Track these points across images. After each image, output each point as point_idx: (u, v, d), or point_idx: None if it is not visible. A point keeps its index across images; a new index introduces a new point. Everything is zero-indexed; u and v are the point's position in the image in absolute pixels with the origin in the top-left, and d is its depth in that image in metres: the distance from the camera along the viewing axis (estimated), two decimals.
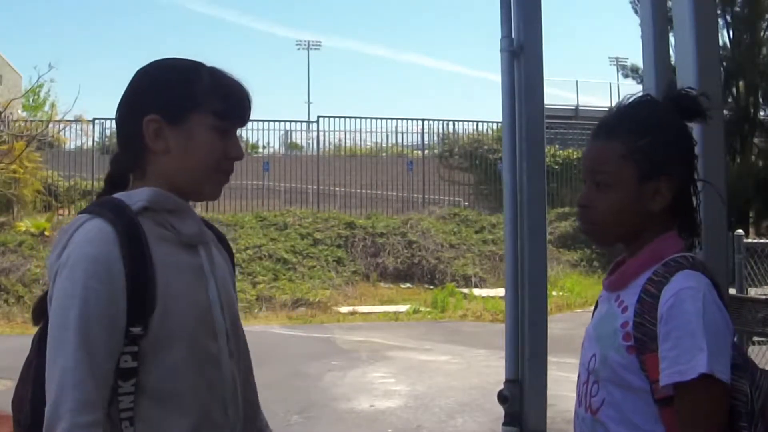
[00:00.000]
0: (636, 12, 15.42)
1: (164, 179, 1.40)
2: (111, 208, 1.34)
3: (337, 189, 17.93)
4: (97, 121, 17.33)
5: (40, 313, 1.38)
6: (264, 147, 20.20)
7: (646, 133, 1.45)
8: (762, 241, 7.54)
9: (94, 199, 1.47)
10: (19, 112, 20.90)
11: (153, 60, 1.47)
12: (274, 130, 19.29)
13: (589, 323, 1.58)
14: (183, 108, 1.39)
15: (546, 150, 2.56)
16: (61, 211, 15.90)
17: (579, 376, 1.53)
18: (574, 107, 28.42)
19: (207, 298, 1.41)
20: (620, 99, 1.56)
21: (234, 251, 1.66)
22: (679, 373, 1.30)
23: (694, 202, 1.50)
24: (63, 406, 1.22)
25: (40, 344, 1.35)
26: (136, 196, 1.37)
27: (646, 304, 1.39)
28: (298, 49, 54.33)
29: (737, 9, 15.82)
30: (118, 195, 1.39)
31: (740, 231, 6.91)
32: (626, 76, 19.84)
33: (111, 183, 1.45)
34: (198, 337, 1.37)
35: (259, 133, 19.02)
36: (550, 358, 2.37)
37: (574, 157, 18.64)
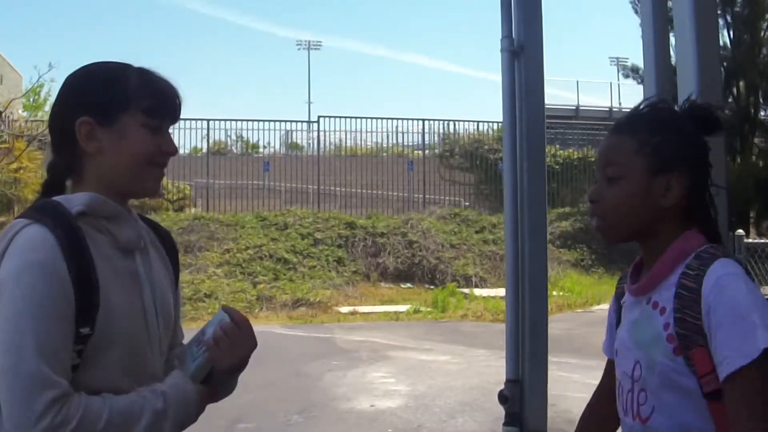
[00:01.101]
0: (636, 12, 15.43)
1: (101, 180, 1.43)
2: (50, 213, 1.35)
3: (338, 189, 17.94)
4: None
5: None
6: (264, 147, 20.27)
7: (659, 131, 1.47)
8: (762, 241, 7.55)
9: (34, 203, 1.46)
10: (20, 111, 20.89)
11: (82, 65, 1.49)
12: (274, 130, 19.35)
13: (620, 329, 1.55)
14: (113, 108, 1.42)
15: (546, 150, 2.56)
16: None
17: (620, 386, 1.51)
18: (574, 107, 28.43)
19: (141, 302, 1.44)
20: (638, 102, 1.57)
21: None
22: (742, 357, 1.27)
23: (712, 213, 1.50)
24: (35, 406, 1.23)
25: None
26: (74, 201, 1.39)
27: (684, 299, 1.37)
28: (298, 49, 54.59)
29: (737, 9, 15.81)
30: (56, 198, 1.40)
31: (740, 231, 6.92)
32: (626, 76, 19.80)
33: (48, 190, 1.45)
34: (133, 340, 1.40)
35: (260, 133, 19.15)
36: (550, 358, 2.37)
37: (575, 157, 18.67)
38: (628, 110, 1.60)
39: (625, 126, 1.51)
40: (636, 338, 1.47)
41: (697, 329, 1.34)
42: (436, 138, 20.04)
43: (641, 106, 1.54)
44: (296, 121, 20.56)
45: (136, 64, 1.49)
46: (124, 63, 1.48)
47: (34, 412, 1.23)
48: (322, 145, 19.03)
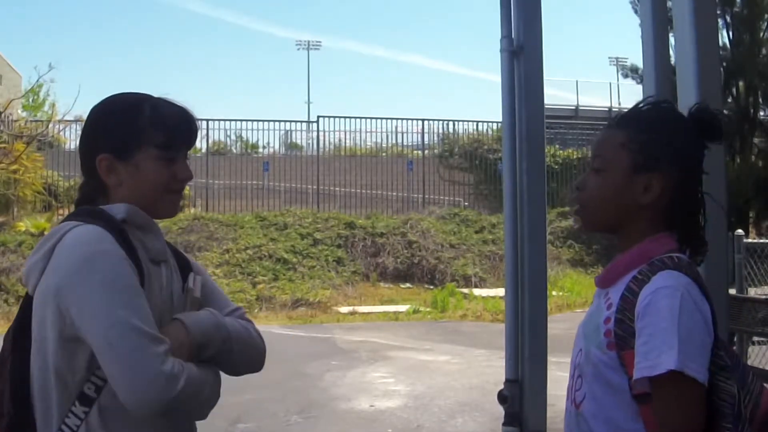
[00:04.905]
0: (636, 12, 15.43)
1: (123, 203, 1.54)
2: (98, 216, 1.47)
3: (337, 189, 17.93)
4: None
5: (24, 315, 1.46)
6: (264, 147, 20.22)
7: (648, 130, 1.48)
8: (762, 241, 7.54)
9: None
10: (19, 112, 20.89)
11: (104, 98, 1.59)
12: (274, 130, 19.31)
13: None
14: (128, 145, 1.52)
15: (546, 150, 2.56)
16: (60, 211, 15.89)
17: (570, 371, 1.56)
18: (574, 107, 28.44)
19: (171, 306, 1.54)
20: (641, 99, 1.60)
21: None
22: (648, 368, 1.31)
23: (700, 219, 1.51)
24: (157, 351, 1.35)
25: (14, 341, 1.44)
26: (115, 209, 1.50)
27: (627, 301, 1.40)
28: (298, 49, 54.39)
29: (737, 9, 15.82)
30: (99, 207, 1.52)
31: (740, 231, 6.90)
32: (626, 76, 19.81)
33: (82, 206, 1.57)
34: None
35: (259, 133, 19.05)
36: (550, 358, 2.37)
37: (574, 157, 18.67)
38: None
39: (620, 121, 1.54)
40: (585, 328, 1.52)
41: (632, 332, 1.37)
42: (435, 138, 20.05)
43: (643, 103, 1.55)
44: (296, 121, 20.56)
45: (155, 91, 1.59)
46: (140, 97, 1.57)
47: (158, 355, 1.34)
48: (321, 145, 19.04)
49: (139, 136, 1.52)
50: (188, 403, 1.40)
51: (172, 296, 1.55)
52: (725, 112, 1.72)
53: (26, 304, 1.46)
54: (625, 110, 1.58)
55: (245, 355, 1.56)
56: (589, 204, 1.53)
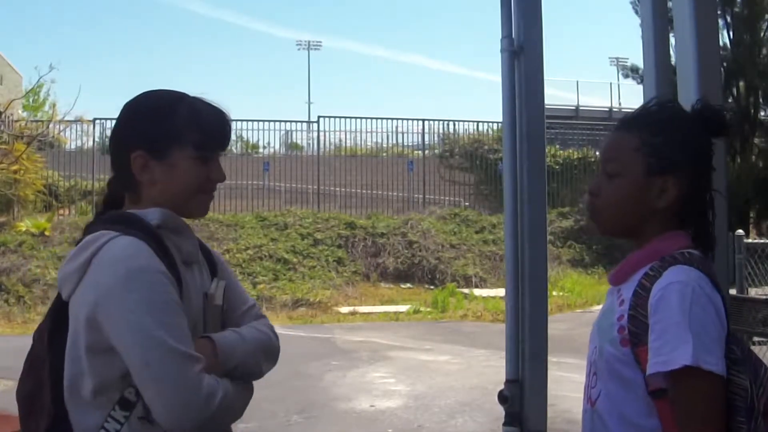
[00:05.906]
0: (636, 12, 15.45)
1: (155, 203, 1.53)
2: (134, 225, 1.46)
3: (338, 189, 17.92)
4: (97, 122, 17.27)
5: (59, 316, 1.45)
6: (264, 147, 20.19)
7: (662, 131, 1.48)
8: (762, 241, 7.53)
9: (96, 212, 1.60)
10: (20, 112, 20.89)
11: (139, 93, 1.58)
12: (274, 130, 19.29)
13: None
14: (165, 143, 1.52)
15: (546, 150, 2.56)
16: (61, 212, 15.92)
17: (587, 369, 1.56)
18: (574, 107, 28.45)
19: (200, 311, 1.55)
20: (648, 99, 1.59)
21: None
22: (662, 363, 1.32)
23: (710, 217, 1.51)
24: (192, 372, 1.37)
25: (50, 343, 1.43)
26: (150, 215, 1.50)
27: (640, 297, 1.41)
28: (298, 49, 54.58)
29: (737, 9, 15.83)
30: (132, 211, 1.52)
31: (740, 231, 6.90)
32: (626, 76, 19.85)
33: (108, 204, 1.58)
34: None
35: (260, 133, 19.01)
36: (550, 358, 2.37)
37: (575, 157, 18.66)
38: (630, 109, 1.60)
39: (630, 123, 1.53)
40: (599, 324, 1.52)
41: (646, 328, 1.38)
42: (436, 138, 20.02)
43: (650, 104, 1.55)
44: (296, 121, 20.53)
45: (191, 92, 1.58)
46: (177, 95, 1.57)
47: (195, 376, 1.36)
48: (322, 145, 19.01)
49: (176, 135, 1.52)
50: (222, 417, 1.45)
51: (205, 294, 1.57)
52: (730, 109, 1.74)
53: (60, 306, 1.45)
54: (633, 112, 1.57)
55: (260, 365, 1.59)
56: (606, 210, 1.53)
